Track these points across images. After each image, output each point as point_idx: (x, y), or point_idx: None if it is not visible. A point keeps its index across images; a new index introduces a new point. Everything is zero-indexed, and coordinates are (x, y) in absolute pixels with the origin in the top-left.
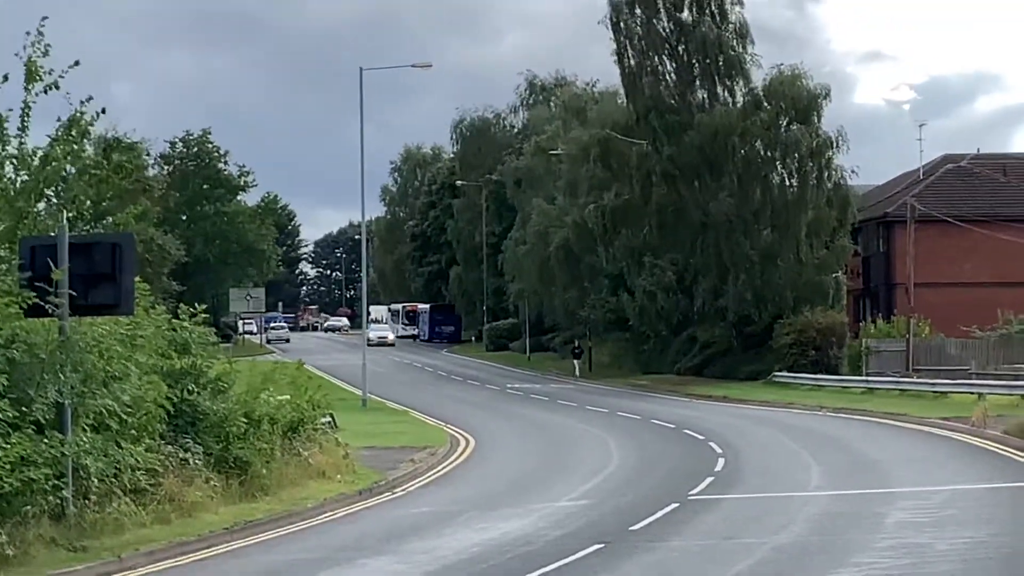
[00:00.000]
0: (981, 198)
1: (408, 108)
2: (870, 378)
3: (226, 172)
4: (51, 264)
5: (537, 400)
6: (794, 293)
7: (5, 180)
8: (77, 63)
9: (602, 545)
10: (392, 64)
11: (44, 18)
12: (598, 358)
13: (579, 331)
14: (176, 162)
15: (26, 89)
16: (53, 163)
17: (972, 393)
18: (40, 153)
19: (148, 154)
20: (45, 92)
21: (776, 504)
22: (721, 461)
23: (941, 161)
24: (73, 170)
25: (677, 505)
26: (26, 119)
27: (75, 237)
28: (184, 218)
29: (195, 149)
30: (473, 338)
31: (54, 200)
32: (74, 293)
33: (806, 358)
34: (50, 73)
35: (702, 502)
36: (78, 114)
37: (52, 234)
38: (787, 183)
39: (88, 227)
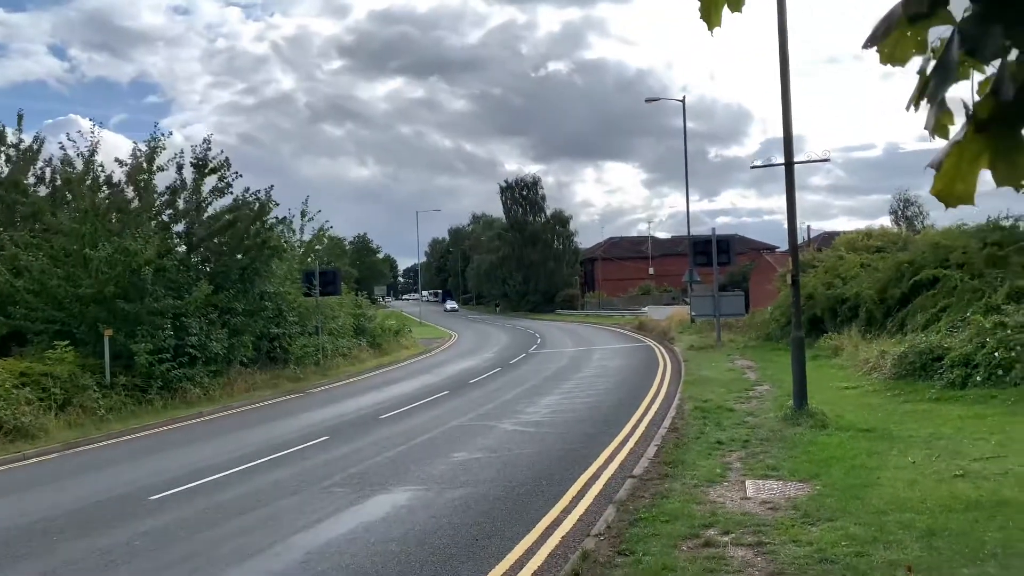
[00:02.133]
0: None
1: None
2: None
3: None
4: (311, 279)
5: (481, 321)
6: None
7: (296, 250)
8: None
9: (499, 368)
10: None
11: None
12: (502, 308)
13: (500, 300)
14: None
15: (302, 224)
16: (313, 245)
17: (624, 314)
18: (306, 241)
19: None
20: (304, 220)
21: (557, 353)
22: (539, 339)
23: None
24: (318, 246)
25: (524, 355)
26: (303, 230)
27: (321, 269)
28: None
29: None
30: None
31: (311, 257)
32: (319, 288)
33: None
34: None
35: (533, 353)
36: (323, 229)
37: (313, 268)
38: (557, 245)
39: (322, 263)
